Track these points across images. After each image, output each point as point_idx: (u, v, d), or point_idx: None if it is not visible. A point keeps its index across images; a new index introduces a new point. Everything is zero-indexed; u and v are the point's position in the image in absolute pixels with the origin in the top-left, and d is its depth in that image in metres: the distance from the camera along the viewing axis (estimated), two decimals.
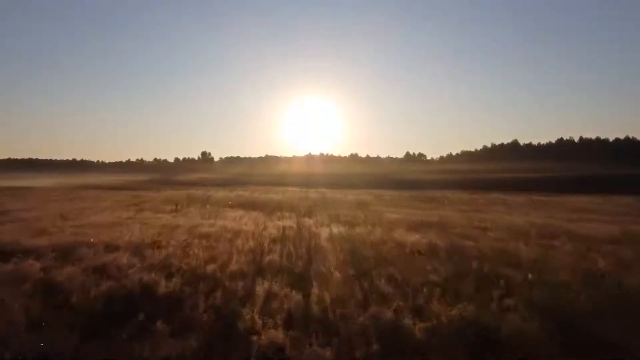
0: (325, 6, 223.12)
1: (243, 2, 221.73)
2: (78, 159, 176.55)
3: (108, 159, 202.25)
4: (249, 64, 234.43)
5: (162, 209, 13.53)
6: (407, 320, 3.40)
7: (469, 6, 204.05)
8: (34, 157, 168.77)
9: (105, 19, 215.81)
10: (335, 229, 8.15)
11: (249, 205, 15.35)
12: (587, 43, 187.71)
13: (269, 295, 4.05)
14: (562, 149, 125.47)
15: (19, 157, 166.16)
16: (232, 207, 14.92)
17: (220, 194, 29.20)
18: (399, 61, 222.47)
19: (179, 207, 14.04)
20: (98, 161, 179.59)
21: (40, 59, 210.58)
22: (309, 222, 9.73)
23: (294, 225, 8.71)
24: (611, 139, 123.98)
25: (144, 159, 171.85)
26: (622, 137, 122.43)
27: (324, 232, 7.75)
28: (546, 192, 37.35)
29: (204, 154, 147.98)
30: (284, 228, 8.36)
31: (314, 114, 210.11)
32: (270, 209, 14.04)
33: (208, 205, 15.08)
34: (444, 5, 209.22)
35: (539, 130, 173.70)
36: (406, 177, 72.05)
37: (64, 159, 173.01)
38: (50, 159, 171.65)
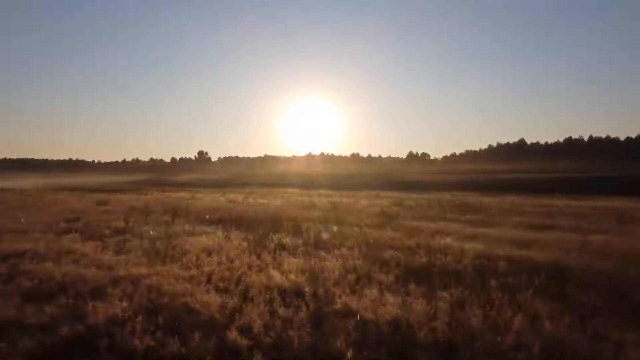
0: (326, 5, 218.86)
1: (242, 1, 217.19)
2: (74, 159, 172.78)
3: (104, 158, 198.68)
4: (249, 62, 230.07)
5: (105, 228, 9.11)
6: None
7: (473, 3, 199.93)
8: (29, 157, 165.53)
9: (102, 18, 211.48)
10: (404, 303, 3.67)
11: (235, 219, 10.93)
12: (593, 40, 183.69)
13: None
14: (571, 149, 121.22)
15: (15, 157, 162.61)
16: (210, 222, 10.50)
17: (208, 198, 24.73)
18: (401, 59, 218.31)
19: (130, 224, 9.60)
20: (94, 161, 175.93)
21: (38, 59, 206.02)
22: (330, 265, 5.26)
23: (307, 288, 4.16)
24: (622, 137, 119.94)
25: (140, 158, 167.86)
26: (633, 135, 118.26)
27: (383, 323, 3.25)
28: (579, 194, 32.72)
29: (200, 153, 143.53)
30: (284, 295, 3.91)
31: (314, 114, 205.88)
32: (264, 226, 9.62)
33: (173, 221, 10.66)
34: (448, 2, 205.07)
35: (545, 129, 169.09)
36: (412, 178, 67.75)
37: (61, 159, 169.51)
38: (46, 159, 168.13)
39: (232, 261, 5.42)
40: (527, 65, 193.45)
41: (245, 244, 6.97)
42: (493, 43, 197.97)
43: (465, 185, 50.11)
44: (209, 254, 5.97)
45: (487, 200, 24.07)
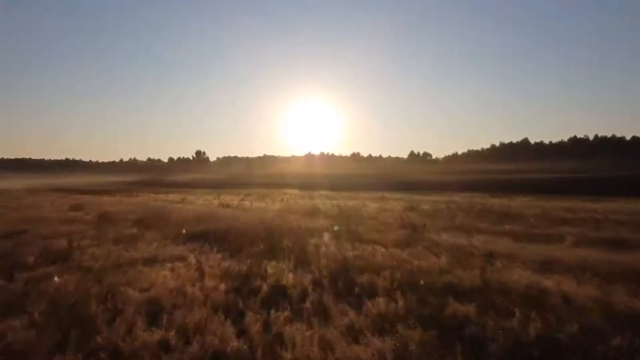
0: (326, 5, 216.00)
1: (242, 1, 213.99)
2: (72, 158, 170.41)
3: (102, 158, 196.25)
4: (248, 62, 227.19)
5: (40, 250, 6.64)
6: None
7: (477, 2, 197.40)
8: (27, 157, 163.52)
9: (100, 18, 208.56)
10: None
11: (221, 233, 8.52)
12: (598, 39, 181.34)
13: None
14: (576, 148, 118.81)
15: (13, 157, 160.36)
16: (188, 238, 8.04)
17: (200, 201, 22.26)
18: (402, 58, 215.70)
19: (75, 244, 7.11)
20: (90, 161, 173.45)
21: (36, 58, 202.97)
22: (370, 352, 2.80)
23: None
24: (628, 137, 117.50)
25: (137, 158, 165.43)
26: (639, 135, 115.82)
27: None
28: (594, 195, 30.15)
29: (198, 153, 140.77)
30: None
31: (314, 113, 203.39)
32: (257, 245, 7.21)
33: (141, 236, 8.23)
34: (449, 1, 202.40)
35: (549, 128, 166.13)
36: (416, 178, 65.36)
37: (58, 158, 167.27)
38: (43, 159, 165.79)
39: (187, 341, 2.95)
40: (531, 64, 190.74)
41: (223, 285, 4.48)
42: (495, 41, 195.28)
43: (471, 186, 47.64)
44: (155, 315, 3.48)
45: (510, 203, 21.56)
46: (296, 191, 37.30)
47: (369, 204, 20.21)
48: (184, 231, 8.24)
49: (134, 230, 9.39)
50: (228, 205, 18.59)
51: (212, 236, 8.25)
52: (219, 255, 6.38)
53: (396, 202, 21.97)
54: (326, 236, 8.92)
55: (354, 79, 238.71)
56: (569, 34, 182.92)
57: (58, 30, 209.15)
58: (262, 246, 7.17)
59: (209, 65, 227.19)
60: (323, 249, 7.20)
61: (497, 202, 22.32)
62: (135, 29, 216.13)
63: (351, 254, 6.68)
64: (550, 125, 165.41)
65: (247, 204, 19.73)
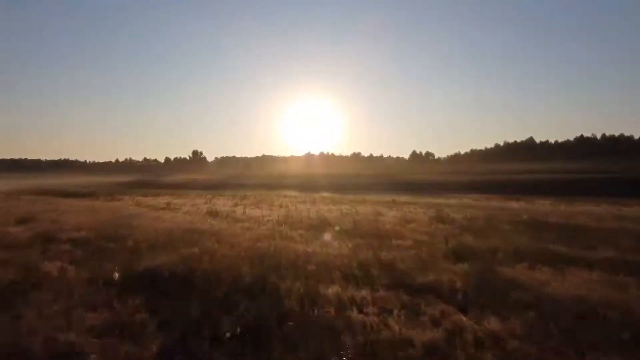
0: (326, 5, 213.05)
1: (241, 0, 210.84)
2: (68, 159, 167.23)
3: (99, 158, 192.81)
4: (247, 61, 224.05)
5: None
6: None
7: (477, 2, 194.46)
8: (23, 158, 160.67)
9: (96, 17, 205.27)
10: None
11: (181, 276, 5.38)
12: (604, 36, 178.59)
13: None
14: (583, 147, 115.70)
15: (9, 157, 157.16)
16: (117, 292, 4.83)
17: (187, 206, 18.91)
18: (403, 57, 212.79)
19: None
20: (86, 161, 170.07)
21: (33, 58, 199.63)
22: None
23: None
24: (636, 136, 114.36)
25: (133, 158, 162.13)
26: None
27: None
28: (619, 197, 26.93)
29: (195, 153, 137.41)
30: None
31: (313, 113, 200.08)
32: (237, 302, 3.99)
33: (64, 291, 5.03)
34: (450, 1, 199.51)
35: (554, 127, 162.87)
36: (420, 179, 62.20)
37: (55, 159, 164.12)
38: (39, 159, 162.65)
39: None
40: (535, 61, 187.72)
41: None
42: (496, 40, 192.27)
43: (478, 187, 44.62)
44: None
45: (550, 209, 18.40)
46: (296, 193, 34.17)
47: (383, 210, 17.02)
48: (116, 275, 4.97)
49: (56, 264, 6.17)
50: (217, 214, 15.32)
51: (166, 283, 5.05)
52: (153, 349, 3.17)
53: (413, 207, 18.77)
54: (349, 276, 5.73)
55: (354, 79, 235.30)
56: (570, 34, 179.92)
57: (57, 31, 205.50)
58: (244, 313, 3.98)
59: (207, 64, 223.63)
60: (354, 315, 4.02)
61: (541, 209, 19.16)
62: (134, 29, 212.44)
63: (412, 335, 3.48)
64: (555, 124, 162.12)
65: (240, 211, 16.48)
